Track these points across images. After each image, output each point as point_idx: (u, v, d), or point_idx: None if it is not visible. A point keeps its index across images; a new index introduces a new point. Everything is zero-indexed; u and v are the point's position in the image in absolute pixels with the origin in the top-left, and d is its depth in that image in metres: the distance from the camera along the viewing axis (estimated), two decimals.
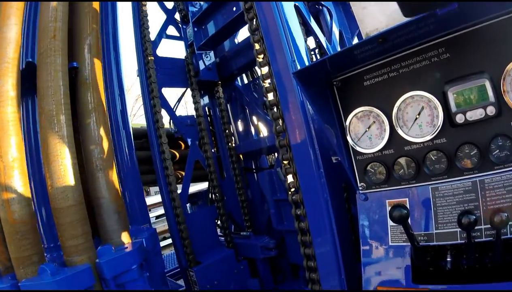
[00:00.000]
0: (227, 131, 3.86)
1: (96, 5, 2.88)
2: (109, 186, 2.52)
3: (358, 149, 1.81)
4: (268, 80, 2.31)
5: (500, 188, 1.45)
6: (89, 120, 2.57)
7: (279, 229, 3.40)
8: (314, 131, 2.09)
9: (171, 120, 3.69)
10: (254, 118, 4.04)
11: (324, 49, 2.71)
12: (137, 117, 18.66)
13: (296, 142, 2.16)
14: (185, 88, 3.89)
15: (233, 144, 3.89)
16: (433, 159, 1.62)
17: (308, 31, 2.61)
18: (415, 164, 1.66)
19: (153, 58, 3.39)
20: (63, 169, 2.21)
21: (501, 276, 1.41)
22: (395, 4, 1.44)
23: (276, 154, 4.32)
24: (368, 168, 1.79)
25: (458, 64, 1.53)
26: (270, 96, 2.31)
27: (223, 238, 3.76)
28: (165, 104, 3.49)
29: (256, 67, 4.02)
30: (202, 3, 3.84)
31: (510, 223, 1.33)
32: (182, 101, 4.22)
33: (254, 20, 2.35)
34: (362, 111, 1.79)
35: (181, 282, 4.52)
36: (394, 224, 1.65)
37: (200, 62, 3.62)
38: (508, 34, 1.40)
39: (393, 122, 1.69)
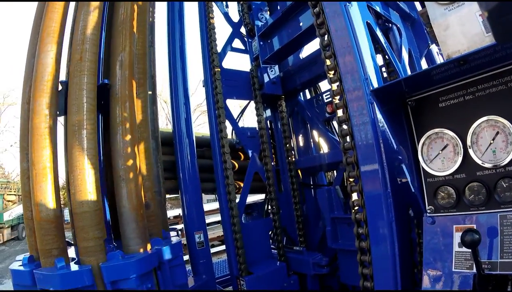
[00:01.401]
0: (287, 145, 4.00)
1: (132, 23, 3.16)
2: (130, 196, 2.76)
3: (430, 171, 1.86)
4: (338, 97, 2.41)
5: None
6: (115, 132, 2.84)
7: (333, 247, 3.44)
8: (383, 150, 2.16)
9: (233, 131, 3.88)
10: (315, 134, 4.16)
11: (394, 67, 2.78)
12: (194, 127, 19.55)
13: (364, 160, 2.23)
14: (248, 101, 4.07)
15: (293, 159, 4.01)
16: (505, 186, 1.64)
17: (377, 49, 2.70)
18: (486, 190, 1.69)
19: (219, 69, 3.63)
20: (81, 178, 2.51)
21: None
22: (477, 27, 1.54)
23: (335, 172, 4.40)
24: (438, 191, 1.83)
25: None
26: (340, 112, 2.41)
27: (275, 251, 3.87)
28: (229, 115, 3.69)
29: (320, 83, 4.17)
30: (267, 16, 4.05)
31: None
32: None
33: (326, 36, 2.48)
34: (436, 133, 1.84)
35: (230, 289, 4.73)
36: (460, 250, 1.71)
37: (265, 76, 3.81)
38: None
39: (467, 146, 1.73)
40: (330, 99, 3.75)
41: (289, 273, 3.68)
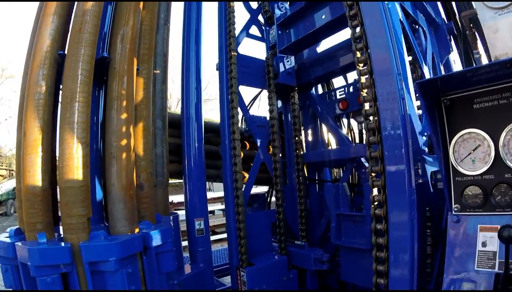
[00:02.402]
0: (297, 138, 4.08)
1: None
2: (119, 174, 2.73)
3: (460, 170, 1.97)
4: (366, 90, 2.50)
5: None
6: (110, 107, 2.83)
7: (337, 244, 3.55)
8: (411, 147, 2.25)
9: (243, 119, 3.93)
10: (324, 129, 4.25)
11: (419, 68, 2.88)
12: None
13: (391, 156, 2.31)
14: (260, 89, 4.12)
15: (301, 152, 4.10)
16: None
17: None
18: None
19: (235, 54, 3.66)
20: (69, 152, 2.48)
21: None
22: None
23: (342, 168, 4.52)
24: (466, 190, 1.94)
25: None
26: (367, 106, 2.49)
27: (275, 244, 3.95)
28: (240, 101, 3.72)
29: (333, 79, 4.26)
30: (287, 6, 4.11)
31: None
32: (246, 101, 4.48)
33: (359, 28, 2.57)
34: (469, 133, 1.95)
35: (226, 279, 4.78)
36: (483, 249, 1.83)
37: (281, 65, 3.88)
38: None
39: (499, 148, 1.85)
40: (343, 96, 3.87)
41: (288, 267, 3.76)
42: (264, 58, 4.07)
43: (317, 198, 4.31)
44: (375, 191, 2.50)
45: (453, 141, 1.99)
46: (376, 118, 2.43)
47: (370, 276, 3.32)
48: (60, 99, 2.79)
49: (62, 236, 2.54)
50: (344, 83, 4.22)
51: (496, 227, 1.82)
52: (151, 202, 3.16)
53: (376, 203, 2.49)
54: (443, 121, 2.05)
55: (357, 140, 4.28)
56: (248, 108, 3.98)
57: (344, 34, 3.59)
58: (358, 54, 2.54)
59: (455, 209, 1.97)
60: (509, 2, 1.80)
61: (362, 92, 2.54)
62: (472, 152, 1.95)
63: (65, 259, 2.35)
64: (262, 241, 3.84)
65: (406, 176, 2.24)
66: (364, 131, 3.38)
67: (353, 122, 4.35)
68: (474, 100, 1.98)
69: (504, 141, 1.86)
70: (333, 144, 4.40)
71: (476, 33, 2.41)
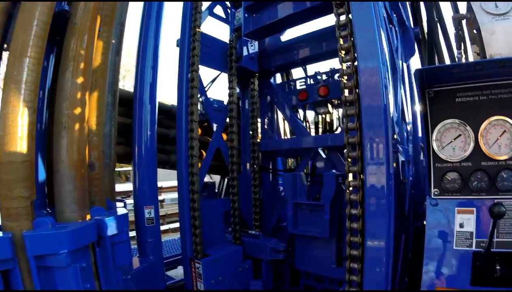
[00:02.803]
0: (254, 125, 4.16)
1: None
2: (70, 149, 2.42)
3: (441, 156, 2.21)
4: (347, 77, 2.67)
5: None
6: (65, 69, 2.50)
7: (293, 232, 3.71)
8: (390, 135, 2.44)
9: (201, 101, 3.89)
10: (281, 119, 4.39)
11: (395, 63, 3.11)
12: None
13: (371, 142, 2.47)
14: (219, 72, 4.12)
15: (258, 140, 4.19)
16: (504, 176, 2.08)
17: None
18: (488, 179, 2.10)
19: (200, 30, 3.63)
20: (13, 118, 2.16)
21: None
22: None
23: (296, 159, 4.69)
24: (446, 175, 2.19)
25: None
26: (346, 93, 2.65)
27: (228, 234, 4.01)
28: (200, 82, 3.68)
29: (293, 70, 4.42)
30: None
31: None
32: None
33: (344, 15, 2.71)
34: (451, 123, 2.20)
35: (173, 272, 4.69)
36: (460, 230, 2.10)
37: (244, 49, 3.95)
38: None
39: (479, 138, 2.12)
40: (304, 86, 4.03)
41: (243, 257, 3.83)
42: (226, 41, 4.08)
43: (270, 188, 4.43)
44: (350, 177, 2.65)
45: (435, 130, 2.23)
46: (356, 105, 2.59)
47: (325, 264, 3.55)
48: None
49: None
50: (303, 75, 4.37)
51: (472, 209, 2.10)
52: (102, 185, 2.91)
53: (351, 188, 2.63)
54: (426, 112, 2.28)
55: (312, 132, 4.47)
56: (205, 90, 3.96)
57: (310, 26, 3.77)
58: (342, 41, 2.67)
59: (435, 193, 2.20)
60: (506, 11, 2.08)
61: (342, 79, 2.68)
62: (453, 140, 2.20)
63: (5, 253, 2.00)
64: (216, 231, 3.86)
65: (385, 162, 2.40)
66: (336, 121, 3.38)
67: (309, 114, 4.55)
68: (456, 94, 2.24)
69: (483, 132, 2.14)
70: (288, 135, 4.56)
71: (467, 33, 2.68)
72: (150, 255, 3.59)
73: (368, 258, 2.47)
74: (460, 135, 2.19)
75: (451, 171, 2.19)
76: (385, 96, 2.46)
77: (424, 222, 2.45)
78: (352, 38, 2.63)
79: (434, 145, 2.23)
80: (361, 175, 2.57)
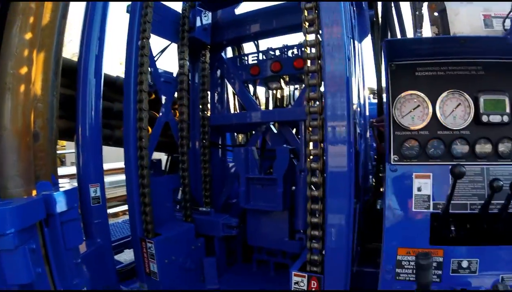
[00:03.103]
0: (204, 98, 4.16)
1: None
2: (15, 114, 2.23)
3: (401, 124, 2.41)
4: (309, 48, 2.78)
5: (499, 176, 2.21)
6: (12, 24, 2.31)
7: (246, 207, 3.83)
8: (350, 104, 2.59)
9: (150, 72, 3.77)
10: (231, 93, 4.44)
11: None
12: None
13: (333, 111, 2.58)
14: (170, 42, 4.05)
15: (208, 114, 4.20)
16: (458, 144, 2.33)
17: None
18: (444, 146, 2.34)
19: None
20: None
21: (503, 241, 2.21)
22: (479, 22, 2.39)
23: (246, 134, 4.75)
24: (405, 143, 2.39)
25: (489, 81, 2.37)
26: (309, 63, 2.77)
27: (178, 212, 4.02)
28: (150, 52, 3.56)
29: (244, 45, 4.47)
30: None
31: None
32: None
33: None
34: (411, 94, 2.40)
35: (120, 256, 4.57)
36: (418, 193, 2.32)
37: (198, 19, 3.90)
38: None
39: (436, 109, 2.35)
40: (256, 61, 4.11)
41: (195, 235, 3.84)
42: (178, 11, 4.01)
43: (220, 164, 4.47)
44: (311, 145, 2.78)
45: (396, 99, 2.41)
46: (319, 75, 2.70)
47: (278, 237, 3.69)
48: None
49: None
50: (254, 50, 4.42)
51: (428, 174, 2.32)
52: (47, 158, 2.66)
53: (311, 157, 2.76)
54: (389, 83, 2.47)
55: (263, 107, 4.56)
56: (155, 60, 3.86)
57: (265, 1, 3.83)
58: (306, 12, 2.77)
59: (394, 159, 2.39)
60: None
61: (305, 50, 2.79)
62: (412, 110, 2.40)
63: None
64: (166, 209, 3.82)
65: (346, 130, 2.53)
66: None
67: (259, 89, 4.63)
68: (416, 69, 2.46)
69: (440, 104, 2.37)
70: (238, 110, 4.62)
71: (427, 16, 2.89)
72: (97, 237, 3.40)
73: (330, 226, 2.60)
74: (418, 106, 2.39)
75: (410, 138, 2.39)
76: (348, 67, 2.60)
77: (381, 189, 2.67)
78: (316, 11, 2.73)
79: (395, 114, 2.41)
80: (322, 144, 2.70)
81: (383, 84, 2.87)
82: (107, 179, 13.37)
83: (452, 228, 2.27)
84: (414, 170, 2.35)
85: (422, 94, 2.39)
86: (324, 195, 2.65)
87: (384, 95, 2.53)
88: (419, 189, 2.32)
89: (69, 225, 2.47)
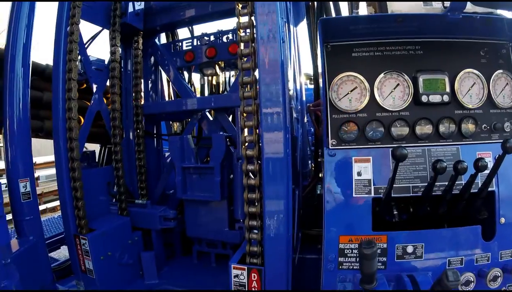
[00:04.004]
0: (137, 87, 3.78)
1: None
2: None
3: (338, 107, 2.21)
4: (243, 30, 2.53)
5: (441, 156, 2.11)
6: None
7: (183, 198, 3.55)
8: (286, 89, 2.36)
9: (81, 60, 3.36)
10: (165, 81, 4.09)
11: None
12: None
13: (267, 95, 2.31)
14: (101, 29, 3.61)
15: (141, 103, 3.83)
16: (398, 126, 2.18)
17: None
18: (383, 129, 2.17)
19: None
20: None
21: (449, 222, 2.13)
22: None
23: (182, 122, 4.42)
24: (343, 126, 2.20)
25: (428, 60, 2.23)
26: (242, 46, 2.51)
27: (112, 206, 3.63)
28: (80, 38, 3.17)
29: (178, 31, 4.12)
30: None
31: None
32: None
33: None
34: (348, 75, 2.20)
35: (56, 253, 4.13)
36: (358, 178, 2.14)
37: (130, 5, 3.54)
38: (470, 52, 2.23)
39: (374, 91, 2.16)
40: (190, 47, 3.78)
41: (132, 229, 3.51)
42: None
43: (155, 154, 4.12)
44: (245, 132, 2.52)
45: (333, 82, 2.20)
46: (253, 58, 2.45)
47: (217, 228, 3.44)
48: None
49: None
50: (189, 36, 4.08)
51: (368, 158, 2.14)
52: None
53: (246, 144, 2.51)
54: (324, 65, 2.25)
55: (198, 94, 4.24)
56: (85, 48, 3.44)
57: None
58: None
59: (333, 143, 2.18)
60: None
61: (239, 32, 2.53)
62: (349, 92, 2.21)
63: None
64: (99, 202, 3.45)
65: (282, 115, 2.29)
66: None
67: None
68: (353, 49, 2.26)
69: (378, 85, 2.19)
70: (173, 98, 4.28)
71: None
72: (29, 235, 3.10)
73: (269, 214, 2.36)
74: (356, 87, 2.21)
75: (348, 121, 2.19)
76: (282, 49, 2.36)
77: (321, 174, 2.46)
78: None
79: (332, 96, 2.20)
80: (257, 130, 2.46)
81: (319, 69, 2.62)
82: (44, 172, 12.65)
83: (395, 212, 2.11)
84: (353, 154, 2.17)
85: (359, 76, 2.21)
86: (261, 183, 2.41)
87: (321, 80, 2.28)
88: (359, 174, 2.15)
89: None
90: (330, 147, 2.19)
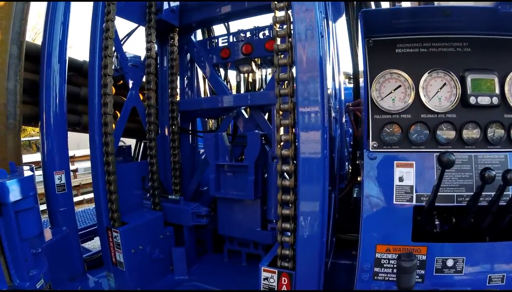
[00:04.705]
0: (173, 83, 3.69)
1: None
2: None
3: (380, 107, 2.01)
4: (279, 25, 2.37)
5: (488, 164, 1.88)
6: None
7: (216, 196, 3.45)
8: (324, 86, 2.18)
9: (117, 56, 3.32)
10: (201, 78, 4.00)
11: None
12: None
13: (305, 94, 2.16)
14: (137, 25, 3.55)
15: (177, 99, 3.74)
16: (444, 129, 1.96)
17: None
18: (428, 132, 1.95)
19: None
20: None
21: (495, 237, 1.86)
22: None
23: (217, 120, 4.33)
24: (385, 127, 2.00)
25: (477, 58, 1.99)
26: (279, 41, 2.36)
27: (146, 201, 3.57)
28: (116, 35, 3.12)
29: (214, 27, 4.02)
30: None
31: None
32: None
33: None
34: (391, 73, 2.01)
35: (89, 243, 4.15)
36: (400, 184, 1.93)
37: (165, 1, 3.44)
38: None
39: (419, 90, 1.95)
40: (226, 44, 3.65)
41: (164, 224, 3.44)
42: None
43: (190, 150, 4.04)
44: (281, 131, 2.38)
45: (375, 80, 2.02)
46: (290, 53, 2.29)
47: (250, 227, 3.31)
48: None
49: None
50: (225, 32, 3.96)
51: (411, 163, 1.93)
52: (4, 145, 2.54)
53: (282, 143, 2.36)
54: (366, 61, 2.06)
55: (234, 91, 4.12)
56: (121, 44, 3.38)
57: None
58: None
59: (373, 145, 1.99)
60: None
61: (275, 27, 2.37)
62: (392, 91, 2.01)
63: None
64: (133, 197, 3.41)
65: (320, 113, 2.14)
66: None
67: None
68: (397, 45, 2.05)
69: (423, 84, 1.98)
70: (209, 95, 4.19)
71: None
72: (63, 225, 3.14)
73: (303, 215, 2.22)
74: (400, 86, 2.01)
75: (390, 122, 1.99)
76: (321, 45, 2.18)
77: (359, 178, 2.27)
78: None
79: (373, 95, 2.01)
80: (293, 129, 2.30)
81: (360, 67, 2.43)
82: (83, 164, 12.94)
83: (437, 223, 1.90)
84: (395, 158, 1.96)
85: (403, 73, 2.01)
86: (296, 184, 2.26)
87: (361, 79, 2.09)
88: (400, 179, 1.94)
89: (25, 214, 2.21)
90: (370, 149, 2.00)
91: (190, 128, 4.05)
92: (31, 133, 18.91)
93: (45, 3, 3.10)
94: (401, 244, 1.90)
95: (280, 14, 2.36)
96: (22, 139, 3.29)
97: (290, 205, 2.34)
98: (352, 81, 3.92)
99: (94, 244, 4.56)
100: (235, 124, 3.92)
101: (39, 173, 2.99)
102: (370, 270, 1.94)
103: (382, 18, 2.05)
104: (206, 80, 4.12)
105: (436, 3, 2.10)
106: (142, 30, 3.57)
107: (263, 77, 4.07)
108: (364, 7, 3.24)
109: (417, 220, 1.91)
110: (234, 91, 4.13)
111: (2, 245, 2.05)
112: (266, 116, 3.58)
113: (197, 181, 3.88)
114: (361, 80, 2.16)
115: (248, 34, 3.61)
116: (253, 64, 3.71)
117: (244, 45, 3.54)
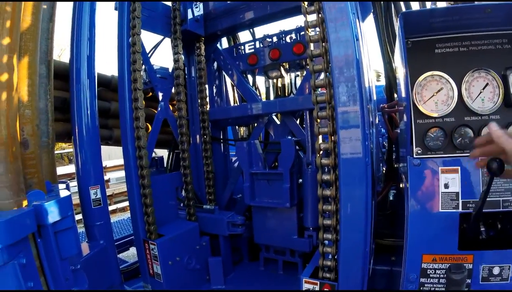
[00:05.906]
0: (202, 93, 3.68)
1: None
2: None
3: (423, 111, 1.93)
4: (312, 29, 2.31)
5: None
6: None
7: (251, 204, 3.40)
8: (363, 90, 2.12)
9: (145, 69, 3.34)
10: (230, 85, 3.97)
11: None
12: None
13: (343, 96, 2.11)
14: (163, 37, 3.57)
15: (207, 108, 3.73)
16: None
17: None
18: (473, 135, 1.85)
19: None
20: None
21: None
22: None
23: (249, 127, 4.31)
24: (429, 132, 1.92)
25: None
26: (312, 46, 2.30)
27: (181, 211, 3.58)
28: (142, 48, 3.13)
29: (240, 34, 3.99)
30: None
31: None
32: None
33: None
34: (432, 75, 1.92)
35: (125, 254, 4.21)
36: (445, 191, 1.84)
37: (189, 11, 3.43)
38: None
39: (462, 91, 1.86)
40: (253, 50, 3.62)
41: (200, 234, 3.44)
42: (168, 4, 3.52)
43: (222, 159, 4.02)
44: (320, 139, 2.32)
45: (416, 83, 1.94)
46: (325, 58, 2.23)
47: (286, 235, 3.26)
48: None
49: None
50: (250, 38, 3.92)
51: (456, 168, 1.85)
52: (39, 165, 2.36)
53: (321, 152, 2.30)
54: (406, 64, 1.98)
55: (263, 98, 4.08)
56: (148, 57, 3.40)
57: None
58: None
59: (418, 152, 1.92)
60: None
61: (307, 32, 2.31)
62: (435, 94, 1.93)
63: None
64: (168, 208, 3.41)
65: (360, 120, 2.08)
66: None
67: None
68: (435, 45, 1.97)
69: (466, 85, 1.89)
70: (238, 102, 4.17)
71: None
72: (100, 239, 3.13)
73: (345, 228, 2.16)
74: (442, 88, 1.92)
75: (434, 127, 1.91)
76: (357, 47, 2.12)
77: (402, 185, 2.21)
78: None
79: (416, 99, 1.93)
80: (333, 136, 2.24)
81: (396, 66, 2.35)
82: (115, 174, 13.19)
83: (482, 229, 1.80)
84: (440, 164, 1.87)
85: (445, 75, 1.92)
86: (337, 194, 2.21)
87: (402, 81, 2.01)
88: (446, 186, 1.85)
89: (64, 234, 2.16)
90: (414, 156, 1.92)
91: (221, 137, 4.04)
92: (63, 146, 19.38)
93: (69, 21, 3.13)
94: (448, 253, 1.82)
95: (311, 18, 2.31)
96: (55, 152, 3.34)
97: (331, 216, 2.28)
98: (379, 79, 3.82)
99: (129, 254, 4.60)
100: (266, 131, 3.87)
101: (73, 184, 3.04)
102: (416, 281, 1.87)
103: (421, 18, 1.96)
104: (235, 87, 4.09)
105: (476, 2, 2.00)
106: (168, 41, 3.58)
107: (293, 81, 4.02)
108: (392, 4, 3.14)
109: (463, 228, 1.82)
110: (263, 97, 4.10)
111: (42, 265, 2.02)
112: (298, 121, 3.51)
113: (231, 190, 3.87)
114: (402, 83, 2.06)
115: (275, 39, 3.57)
116: (281, 69, 3.66)
117: (272, 50, 3.50)
